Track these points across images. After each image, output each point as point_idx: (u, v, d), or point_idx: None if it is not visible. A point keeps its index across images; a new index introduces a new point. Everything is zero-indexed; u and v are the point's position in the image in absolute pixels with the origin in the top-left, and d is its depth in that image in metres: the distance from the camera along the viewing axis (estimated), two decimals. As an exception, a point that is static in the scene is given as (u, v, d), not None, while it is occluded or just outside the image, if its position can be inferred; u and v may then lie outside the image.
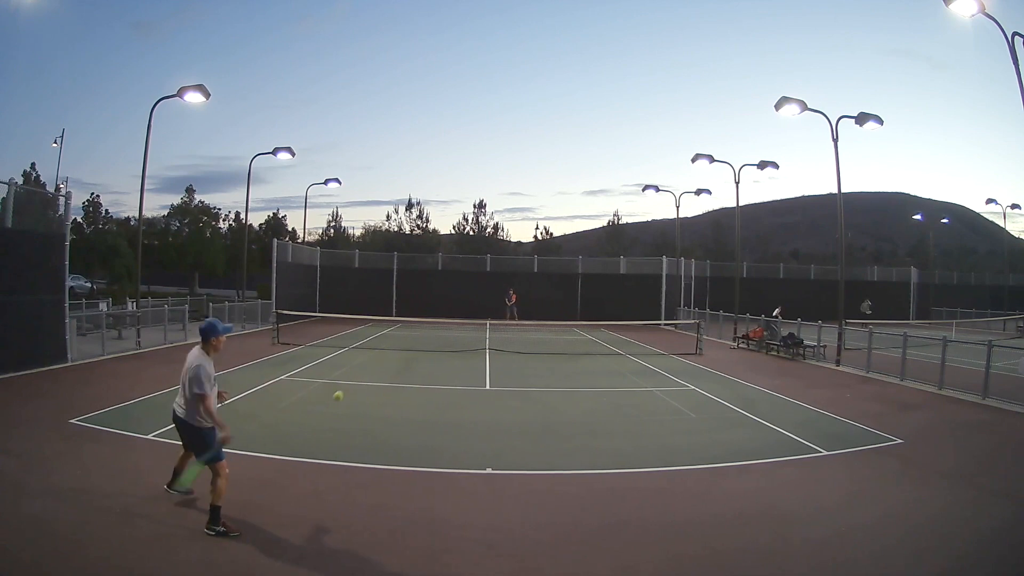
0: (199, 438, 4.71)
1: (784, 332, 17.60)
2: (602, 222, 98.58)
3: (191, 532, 4.50)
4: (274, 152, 23.80)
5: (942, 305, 34.21)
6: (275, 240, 25.36)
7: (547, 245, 48.32)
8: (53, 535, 4.35)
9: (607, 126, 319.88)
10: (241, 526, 4.61)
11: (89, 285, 34.08)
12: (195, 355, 4.82)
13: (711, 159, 22.78)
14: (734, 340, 19.91)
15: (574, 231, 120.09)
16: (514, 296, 28.32)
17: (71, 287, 15.27)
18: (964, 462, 7.02)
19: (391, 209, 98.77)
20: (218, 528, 4.44)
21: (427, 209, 61.67)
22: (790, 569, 4.26)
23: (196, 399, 4.65)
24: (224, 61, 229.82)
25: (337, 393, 7.53)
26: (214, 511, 4.49)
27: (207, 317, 4.92)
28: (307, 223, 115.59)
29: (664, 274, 30.17)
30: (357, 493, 5.52)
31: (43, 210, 13.27)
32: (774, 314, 19.40)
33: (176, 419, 4.85)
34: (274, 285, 22.80)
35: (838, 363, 15.05)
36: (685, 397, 10.60)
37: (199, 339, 4.97)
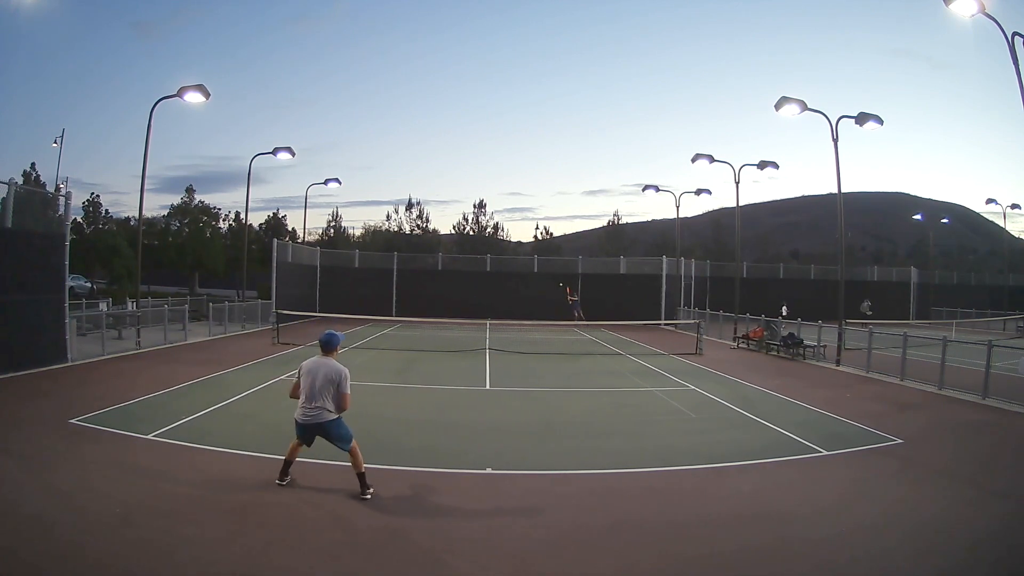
0: (339, 427, 5.39)
1: (784, 332, 17.61)
2: (602, 222, 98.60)
3: (191, 532, 4.50)
4: (274, 152, 23.80)
5: (942, 305, 34.20)
6: (275, 240, 25.36)
7: (547, 245, 48.33)
8: (53, 535, 4.34)
9: (607, 126, 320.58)
10: (242, 526, 4.62)
11: (89, 285, 34.08)
12: (328, 362, 5.44)
13: (711, 159, 22.76)
14: (734, 340, 19.91)
15: (574, 231, 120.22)
16: (569, 292, 28.10)
17: (71, 287, 15.26)
18: (964, 462, 7.01)
19: (391, 209, 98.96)
20: (368, 490, 5.28)
21: (427, 209, 61.84)
22: (790, 569, 4.26)
23: (344, 398, 5.38)
24: (224, 61, 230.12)
25: None
26: (362, 477, 5.32)
27: (328, 331, 5.75)
28: (307, 223, 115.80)
29: (664, 274, 30.18)
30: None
31: (43, 210, 13.26)
32: (783, 313, 19.46)
33: (308, 426, 5.38)
34: (274, 285, 22.80)
35: (838, 363, 15.05)
36: (685, 397, 10.60)
37: (321, 350, 5.58)
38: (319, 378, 5.31)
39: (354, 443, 5.41)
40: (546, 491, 5.71)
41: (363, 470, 5.35)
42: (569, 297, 28.01)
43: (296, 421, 5.41)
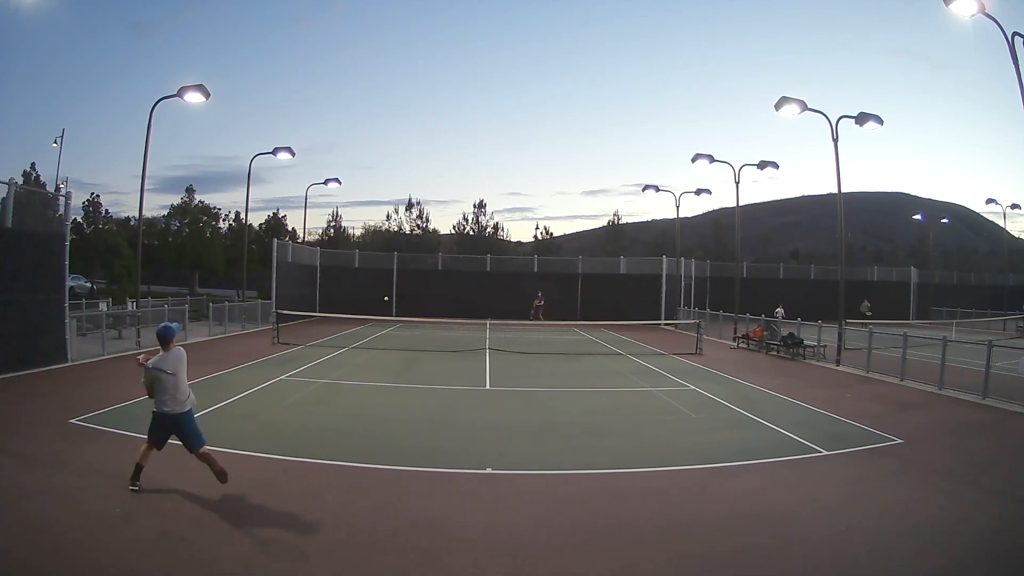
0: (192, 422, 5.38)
1: (784, 332, 17.61)
2: (602, 222, 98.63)
3: (191, 532, 4.50)
4: (274, 152, 23.78)
5: (942, 305, 34.20)
6: (275, 240, 25.37)
7: (547, 245, 48.31)
8: (53, 535, 4.35)
9: (607, 126, 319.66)
10: (242, 526, 4.62)
11: (89, 285, 34.06)
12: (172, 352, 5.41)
13: (711, 159, 22.74)
14: (734, 340, 19.91)
15: (574, 231, 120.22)
16: (539, 299, 28.19)
17: (71, 287, 15.27)
18: (964, 462, 7.01)
19: (391, 209, 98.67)
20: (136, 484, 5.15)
21: (427, 209, 61.83)
22: (790, 569, 4.26)
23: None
24: (224, 61, 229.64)
25: None
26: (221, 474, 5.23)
27: (168, 322, 5.83)
28: (307, 223, 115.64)
29: (664, 274, 30.17)
30: (357, 493, 5.51)
31: (43, 210, 13.26)
32: (775, 313, 19.52)
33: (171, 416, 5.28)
34: (274, 285, 22.80)
35: (838, 363, 15.04)
36: (685, 397, 10.60)
37: (162, 343, 5.57)
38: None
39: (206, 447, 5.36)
40: (546, 491, 5.71)
41: (222, 468, 5.26)
42: (536, 302, 27.98)
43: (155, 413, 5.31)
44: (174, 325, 5.60)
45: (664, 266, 30.42)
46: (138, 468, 5.23)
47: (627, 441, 7.65)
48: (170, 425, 5.28)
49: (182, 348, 5.54)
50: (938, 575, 4.24)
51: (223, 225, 48.33)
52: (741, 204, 22.86)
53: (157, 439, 5.33)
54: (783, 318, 19.29)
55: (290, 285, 24.56)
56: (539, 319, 27.09)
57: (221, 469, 5.25)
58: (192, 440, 5.31)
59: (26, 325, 11.23)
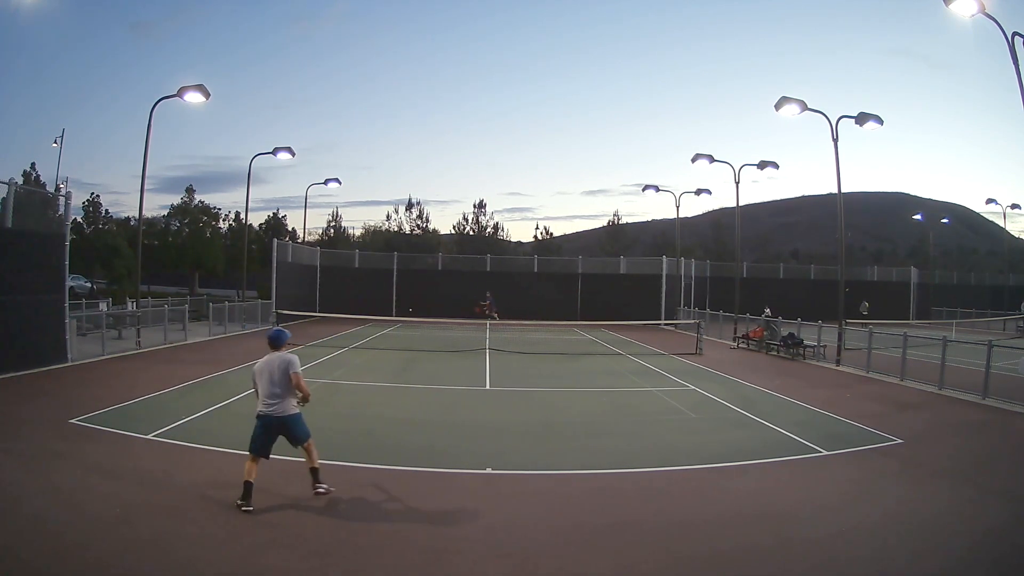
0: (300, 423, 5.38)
1: (784, 332, 17.60)
2: (602, 222, 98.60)
3: (191, 532, 4.50)
4: (274, 152, 23.78)
5: (942, 305, 34.19)
6: (275, 240, 25.38)
7: (547, 245, 48.31)
8: (53, 535, 4.34)
9: (607, 126, 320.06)
10: (241, 526, 4.62)
11: (89, 285, 34.04)
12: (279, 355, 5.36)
13: (711, 159, 22.73)
14: (734, 340, 19.91)
15: (574, 231, 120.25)
16: (489, 303, 28.01)
17: (71, 287, 15.27)
18: (964, 462, 7.01)
19: (391, 209, 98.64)
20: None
21: (427, 209, 61.84)
22: (790, 569, 4.26)
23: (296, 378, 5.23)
24: (224, 61, 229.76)
25: None
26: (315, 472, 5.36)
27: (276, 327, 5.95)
28: (307, 223, 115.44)
29: (664, 274, 30.18)
30: (357, 493, 5.51)
31: (43, 210, 13.28)
32: (766, 313, 19.65)
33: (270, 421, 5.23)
34: (274, 285, 22.81)
35: (838, 363, 15.04)
36: (685, 397, 10.60)
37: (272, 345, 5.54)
38: (275, 372, 5.23)
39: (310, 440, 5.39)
40: (546, 491, 5.71)
41: (317, 465, 5.38)
42: (485, 304, 27.67)
43: (257, 415, 5.25)
44: (285, 332, 5.63)
45: (664, 266, 30.43)
46: (247, 486, 4.99)
47: (627, 441, 7.65)
48: (277, 426, 5.24)
49: (289, 354, 5.40)
50: (938, 575, 4.24)
51: (223, 225, 48.37)
52: (741, 204, 22.87)
53: (261, 446, 5.20)
54: (767, 317, 19.36)
55: (290, 285, 24.56)
56: (494, 318, 26.81)
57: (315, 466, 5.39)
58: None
59: (26, 325, 11.23)
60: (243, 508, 4.86)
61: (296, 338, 17.78)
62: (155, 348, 15.23)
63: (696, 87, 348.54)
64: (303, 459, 5.39)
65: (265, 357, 5.36)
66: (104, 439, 6.90)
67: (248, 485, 4.94)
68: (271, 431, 5.21)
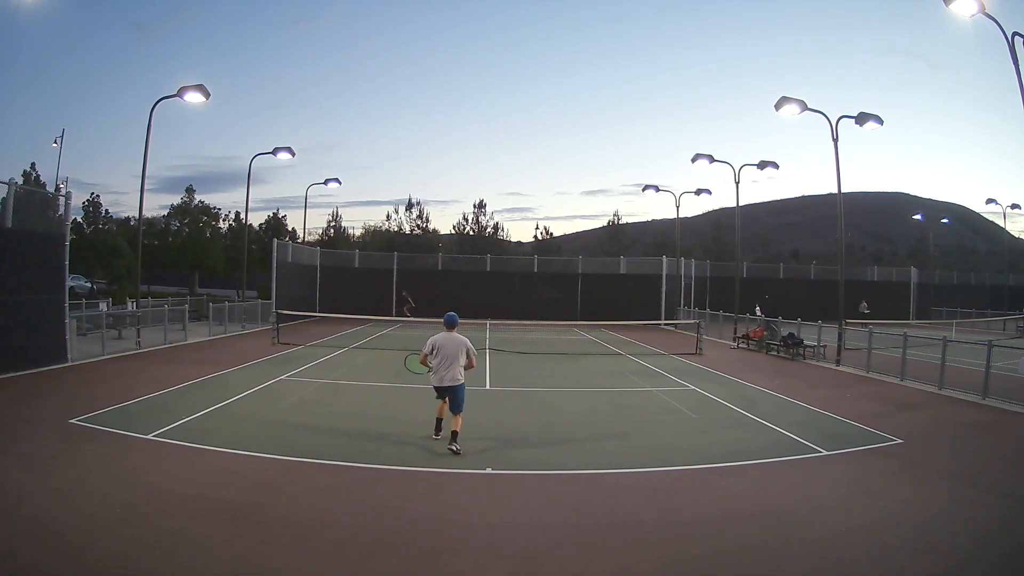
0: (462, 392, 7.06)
1: (784, 332, 17.61)
2: (602, 222, 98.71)
3: (191, 532, 4.50)
4: (274, 152, 23.78)
5: (942, 305, 34.19)
6: (275, 240, 25.37)
7: (547, 245, 48.35)
8: (53, 535, 4.34)
9: (607, 126, 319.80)
10: (242, 526, 4.62)
11: (89, 285, 34.05)
12: (454, 336, 7.06)
13: (711, 159, 22.73)
14: (734, 340, 19.92)
15: (574, 231, 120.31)
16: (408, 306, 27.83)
17: (71, 287, 15.27)
18: (964, 462, 7.01)
19: (391, 209, 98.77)
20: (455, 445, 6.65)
21: (427, 209, 61.97)
22: (790, 569, 4.26)
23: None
24: (224, 61, 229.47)
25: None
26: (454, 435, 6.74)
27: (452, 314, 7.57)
28: (307, 223, 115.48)
29: (664, 274, 30.19)
30: (357, 493, 5.52)
31: (43, 210, 13.27)
32: (756, 312, 19.72)
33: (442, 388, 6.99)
34: (274, 285, 22.79)
35: (838, 363, 15.04)
36: (685, 397, 10.60)
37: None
38: (454, 348, 6.94)
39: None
40: (546, 491, 5.71)
41: (459, 430, 6.77)
42: (407, 306, 27.60)
43: (435, 387, 6.99)
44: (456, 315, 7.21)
45: (664, 266, 30.43)
46: (439, 421, 7.08)
47: (627, 441, 7.65)
48: (447, 391, 6.93)
49: (460, 336, 7.04)
50: (938, 575, 4.24)
51: (223, 225, 48.35)
52: (741, 204, 22.87)
53: (440, 396, 7.08)
54: (757, 315, 19.43)
55: (290, 285, 24.56)
56: (413, 307, 26.75)
57: (455, 432, 6.72)
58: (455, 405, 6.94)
59: (26, 325, 11.23)
60: (435, 438, 7.02)
61: (296, 338, 17.98)
62: (155, 348, 15.23)
63: (696, 87, 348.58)
64: (304, 459, 5.43)
65: (442, 334, 6.99)
66: (104, 439, 6.90)
67: (439, 421, 7.09)
68: (442, 393, 6.97)
